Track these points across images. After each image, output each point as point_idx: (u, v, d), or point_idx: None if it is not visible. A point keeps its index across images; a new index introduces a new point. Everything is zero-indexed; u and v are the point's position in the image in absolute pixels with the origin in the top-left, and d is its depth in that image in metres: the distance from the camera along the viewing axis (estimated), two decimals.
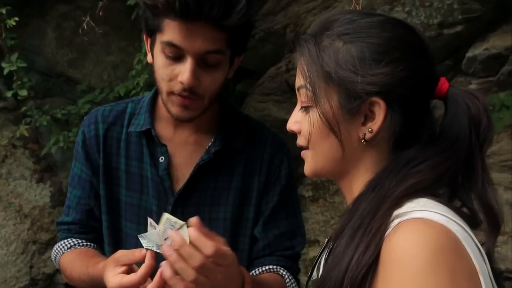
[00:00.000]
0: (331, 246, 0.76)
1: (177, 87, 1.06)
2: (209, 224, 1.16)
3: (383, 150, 0.75)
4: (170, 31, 1.03)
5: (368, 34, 0.72)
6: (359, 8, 1.75)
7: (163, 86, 1.09)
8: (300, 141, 0.80)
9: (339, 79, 0.72)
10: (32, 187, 2.83)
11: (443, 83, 0.75)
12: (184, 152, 1.20)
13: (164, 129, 1.21)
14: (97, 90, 2.51)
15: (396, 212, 0.67)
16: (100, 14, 2.03)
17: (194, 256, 0.83)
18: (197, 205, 1.18)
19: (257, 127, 1.27)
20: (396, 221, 0.66)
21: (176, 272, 0.85)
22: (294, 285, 1.21)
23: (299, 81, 0.77)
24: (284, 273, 1.20)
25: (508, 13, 1.88)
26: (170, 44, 1.03)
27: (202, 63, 1.05)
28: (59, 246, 1.26)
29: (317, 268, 0.84)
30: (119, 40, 2.86)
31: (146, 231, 1.19)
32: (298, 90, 0.78)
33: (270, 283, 1.15)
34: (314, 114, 0.75)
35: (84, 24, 2.09)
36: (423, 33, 0.77)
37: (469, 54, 1.98)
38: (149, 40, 1.13)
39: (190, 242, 0.85)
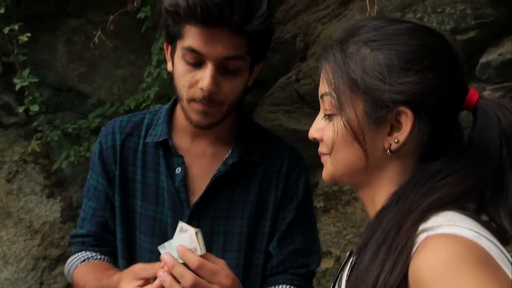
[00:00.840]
0: (353, 261, 0.73)
1: (197, 94, 1.05)
2: (224, 238, 1.16)
3: (408, 161, 0.73)
4: (191, 37, 1.02)
5: (396, 42, 0.70)
6: (373, 14, 1.73)
7: (183, 93, 1.08)
8: (322, 149, 0.78)
9: (365, 86, 0.70)
10: (42, 202, 2.82)
11: (473, 94, 0.72)
12: (201, 164, 1.18)
13: (182, 140, 1.19)
14: (108, 104, 2.51)
15: (422, 227, 0.65)
16: (111, 28, 2.03)
17: (185, 276, 0.84)
18: (213, 218, 1.16)
19: (275, 140, 1.25)
20: (422, 236, 0.64)
21: None
22: None
23: (323, 88, 0.76)
24: None
25: None
26: (190, 50, 1.03)
27: (222, 69, 1.05)
28: (73, 260, 1.24)
29: (338, 283, 0.81)
30: (129, 53, 2.86)
31: (161, 243, 1.17)
32: (321, 97, 0.77)
33: None
34: (339, 122, 0.73)
35: (96, 38, 2.08)
36: (452, 41, 0.74)
37: (483, 60, 1.95)
38: (169, 48, 1.13)
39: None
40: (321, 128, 0.77)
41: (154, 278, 0.93)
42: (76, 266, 1.23)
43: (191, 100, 1.07)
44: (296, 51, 2.47)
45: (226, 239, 1.16)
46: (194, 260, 0.86)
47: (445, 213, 0.65)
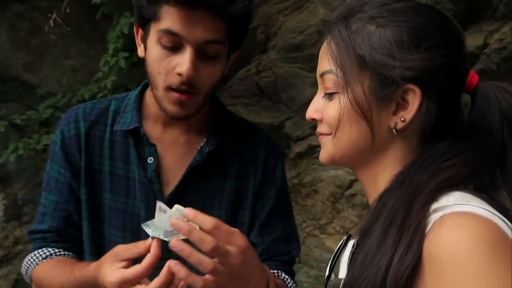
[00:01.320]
0: (355, 245, 0.72)
1: (174, 80, 1.00)
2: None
3: (412, 141, 0.72)
4: (169, 19, 0.97)
5: (404, 18, 0.69)
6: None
7: (159, 81, 1.02)
8: (322, 129, 0.76)
9: (374, 63, 0.68)
10: None
11: (473, 76, 0.73)
12: (174, 153, 1.13)
13: (152, 129, 1.13)
14: (59, 94, 2.37)
15: (434, 206, 0.64)
16: (67, 11, 1.91)
17: (206, 240, 0.75)
18: None
19: (250, 127, 1.22)
20: (434, 216, 0.63)
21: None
22: (294, 286, 1.17)
23: (325, 65, 0.73)
24: (286, 277, 1.16)
25: (479, 13, 1.94)
26: (168, 32, 0.98)
27: (201, 54, 1.00)
28: (32, 257, 1.15)
29: (331, 268, 0.80)
30: (79, 43, 2.72)
31: (133, 238, 1.11)
32: (322, 76, 0.74)
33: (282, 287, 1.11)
34: (344, 99, 0.71)
35: (47, 26, 1.95)
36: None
37: None
38: (140, 32, 1.07)
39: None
40: (320, 109, 0.75)
41: (139, 259, 0.87)
42: (37, 264, 1.14)
43: (168, 88, 1.02)
44: (256, 43, 2.44)
45: None
46: (208, 220, 0.78)
47: (455, 193, 0.65)
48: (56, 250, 1.14)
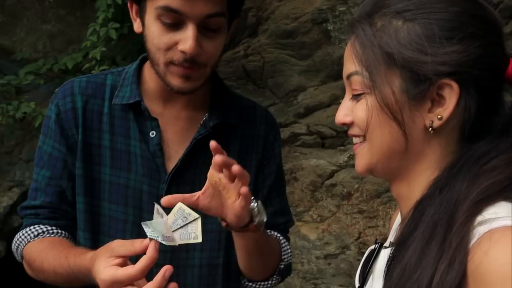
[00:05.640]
0: (391, 255, 0.68)
1: (177, 57, 0.98)
2: None
3: (450, 141, 0.67)
4: None
5: (433, 10, 0.65)
6: None
7: (160, 57, 1.00)
8: (354, 130, 0.72)
9: (403, 60, 0.65)
10: None
11: None
12: (176, 128, 1.12)
13: (152, 104, 1.11)
14: (41, 61, 2.24)
15: (478, 219, 0.60)
16: None
17: None
18: (193, 184, 1.10)
19: (249, 103, 1.24)
20: (481, 229, 0.59)
21: None
22: (288, 247, 1.20)
23: (350, 67, 0.70)
24: (279, 235, 1.20)
25: None
26: (167, 9, 0.95)
27: (203, 29, 0.98)
28: (24, 234, 1.10)
29: (361, 274, 0.77)
30: (57, 7, 2.58)
31: (135, 213, 1.08)
32: (348, 78, 0.71)
33: (270, 234, 1.16)
34: (372, 101, 0.67)
35: None
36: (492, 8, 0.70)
37: None
38: (134, 7, 1.04)
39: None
40: (350, 111, 0.72)
41: (137, 257, 0.84)
42: (28, 241, 1.09)
43: (169, 63, 1.00)
44: (246, 26, 2.40)
45: None
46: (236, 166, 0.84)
47: (501, 203, 0.61)
48: (49, 228, 1.10)
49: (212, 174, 0.90)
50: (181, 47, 0.97)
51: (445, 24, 0.64)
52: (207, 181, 0.90)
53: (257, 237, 0.99)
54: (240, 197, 0.89)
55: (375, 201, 2.24)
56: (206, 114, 1.12)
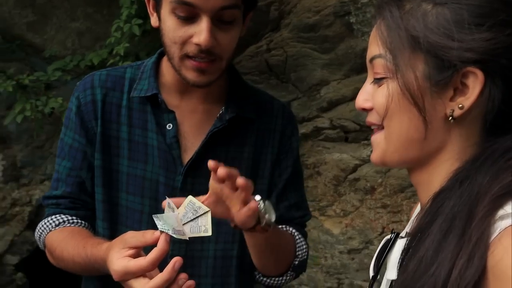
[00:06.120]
0: (406, 246, 0.66)
1: (192, 50, 0.99)
2: None
3: (472, 132, 0.65)
4: None
5: None
6: None
7: (175, 51, 1.01)
8: (372, 117, 0.71)
9: (429, 44, 0.63)
10: None
11: None
12: (193, 121, 1.13)
13: (170, 97, 1.13)
14: (68, 57, 2.31)
15: (499, 213, 0.58)
16: None
17: None
18: (208, 176, 1.10)
19: (266, 97, 1.24)
20: (501, 223, 0.57)
21: None
22: (303, 243, 1.19)
23: (374, 50, 0.69)
24: (293, 230, 1.19)
25: None
26: (181, 3, 0.96)
27: (217, 21, 0.99)
28: (46, 223, 1.14)
29: (376, 264, 0.76)
30: (86, 5, 2.65)
31: (151, 204, 1.10)
32: (371, 61, 0.70)
33: (283, 231, 1.16)
34: (393, 86, 0.66)
35: None
36: None
37: None
38: (151, 1, 1.06)
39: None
40: (370, 96, 0.70)
41: (150, 247, 0.86)
42: (50, 230, 1.13)
43: (184, 57, 1.01)
44: (268, 20, 2.40)
45: None
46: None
47: None
48: (70, 218, 1.14)
49: (213, 185, 0.91)
50: (195, 39, 0.98)
51: (476, 10, 0.62)
52: (209, 190, 0.91)
53: (268, 236, 0.99)
54: (245, 207, 0.89)
55: (399, 196, 2.21)
56: (223, 108, 1.13)
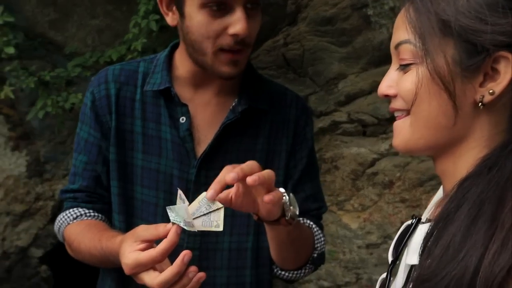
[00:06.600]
0: (429, 232, 0.65)
1: (227, 41, 1.01)
2: None
3: (501, 119, 0.64)
4: None
5: None
6: None
7: (208, 45, 1.02)
8: (397, 104, 0.69)
9: (460, 28, 0.61)
10: (6, 155, 2.66)
11: None
12: (206, 113, 1.14)
13: (183, 90, 1.14)
14: (87, 54, 2.35)
15: None
16: None
17: None
18: (222, 168, 1.12)
19: (279, 88, 1.24)
20: None
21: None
22: (321, 235, 1.19)
23: (402, 35, 0.67)
24: (311, 223, 1.19)
25: None
26: None
27: (246, 10, 1.01)
28: (64, 216, 1.17)
29: (398, 252, 0.74)
30: (105, 3, 2.69)
31: (165, 197, 1.12)
32: (397, 47, 0.68)
33: (302, 223, 1.15)
34: (422, 71, 0.64)
35: None
36: None
37: None
38: (164, 1, 1.07)
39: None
40: (394, 83, 0.69)
41: (159, 240, 0.87)
42: (68, 224, 1.16)
43: (219, 51, 1.02)
44: (285, 14, 2.39)
45: None
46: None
47: None
48: (86, 211, 1.16)
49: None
50: (232, 30, 0.99)
51: None
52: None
53: (289, 229, 0.99)
54: (272, 193, 0.87)
55: (418, 190, 2.18)
56: (236, 100, 1.13)
